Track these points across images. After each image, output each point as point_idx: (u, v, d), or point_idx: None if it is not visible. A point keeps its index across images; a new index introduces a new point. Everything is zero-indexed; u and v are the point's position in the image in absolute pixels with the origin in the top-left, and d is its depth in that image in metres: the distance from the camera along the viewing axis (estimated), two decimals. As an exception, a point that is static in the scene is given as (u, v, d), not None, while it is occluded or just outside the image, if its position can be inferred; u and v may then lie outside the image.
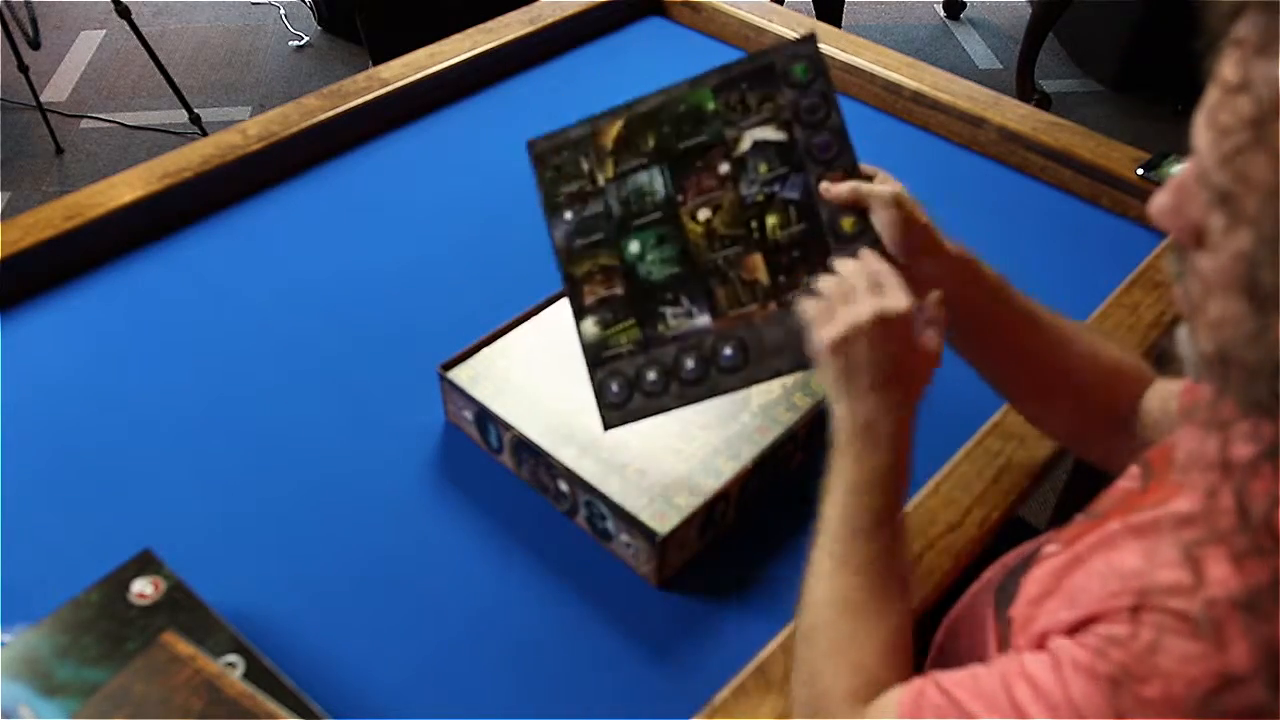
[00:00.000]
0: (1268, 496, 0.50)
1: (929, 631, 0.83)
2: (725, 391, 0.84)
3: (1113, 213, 1.30)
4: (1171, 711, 0.51)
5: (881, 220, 0.81)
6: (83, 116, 2.95)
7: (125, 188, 1.23)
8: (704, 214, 0.85)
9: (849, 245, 0.82)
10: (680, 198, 0.86)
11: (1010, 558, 0.76)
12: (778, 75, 0.86)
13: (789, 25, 1.56)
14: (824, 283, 0.77)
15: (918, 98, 1.43)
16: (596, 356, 0.85)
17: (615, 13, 1.64)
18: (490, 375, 0.99)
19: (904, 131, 1.44)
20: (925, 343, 0.74)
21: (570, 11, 1.59)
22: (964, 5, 3.48)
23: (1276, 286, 0.47)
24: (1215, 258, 0.52)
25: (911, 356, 0.73)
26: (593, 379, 0.86)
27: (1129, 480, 0.71)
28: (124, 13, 2.57)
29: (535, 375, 0.99)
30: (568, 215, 0.87)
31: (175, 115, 2.85)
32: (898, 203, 0.80)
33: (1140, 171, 1.27)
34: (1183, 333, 0.57)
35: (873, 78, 1.46)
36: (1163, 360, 0.99)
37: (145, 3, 3.45)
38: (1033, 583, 0.66)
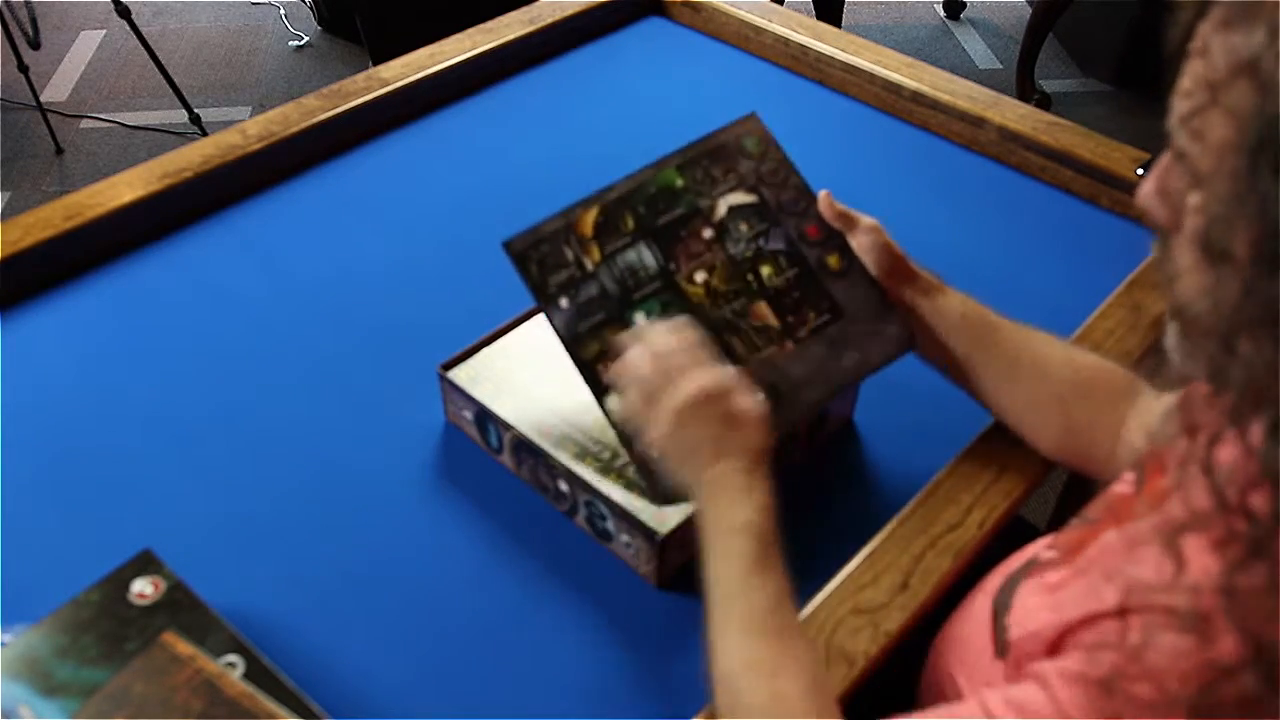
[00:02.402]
0: (1236, 470, 0.50)
1: (929, 633, 0.83)
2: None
3: (1113, 213, 1.30)
4: (1167, 710, 0.50)
5: (864, 246, 0.90)
6: (83, 116, 2.95)
7: (125, 188, 1.23)
8: (701, 276, 0.89)
9: (841, 279, 0.90)
10: (673, 266, 0.89)
11: (1012, 562, 0.76)
12: (732, 150, 0.93)
13: (789, 25, 1.56)
14: (627, 379, 0.78)
15: (918, 98, 1.43)
16: (629, 433, 0.82)
17: (615, 13, 1.64)
18: (490, 375, 0.99)
19: (904, 131, 1.44)
20: (744, 409, 0.75)
21: (570, 11, 1.59)
22: (964, 5, 3.48)
23: (1228, 241, 0.49)
24: (1180, 217, 0.54)
25: (735, 418, 0.75)
26: (632, 456, 0.82)
27: (1124, 485, 0.71)
28: (124, 13, 2.57)
29: (535, 375, 0.99)
30: (563, 303, 0.86)
31: (175, 115, 2.85)
32: (877, 230, 0.89)
33: (1140, 171, 1.27)
34: (1171, 328, 0.58)
35: (873, 78, 1.46)
36: (1157, 371, 0.99)
37: (145, 3, 3.45)
38: (1028, 594, 0.66)
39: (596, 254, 0.88)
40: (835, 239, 0.91)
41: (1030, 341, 0.89)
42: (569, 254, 0.87)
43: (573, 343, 0.85)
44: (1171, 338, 0.58)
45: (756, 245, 0.90)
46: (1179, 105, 0.52)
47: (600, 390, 0.84)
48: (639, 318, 0.86)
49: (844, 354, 0.88)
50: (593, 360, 0.85)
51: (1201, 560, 0.52)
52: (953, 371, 0.91)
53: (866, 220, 0.90)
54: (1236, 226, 0.48)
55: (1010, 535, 0.91)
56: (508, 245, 0.87)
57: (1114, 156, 1.30)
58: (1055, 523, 1.49)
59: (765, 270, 0.90)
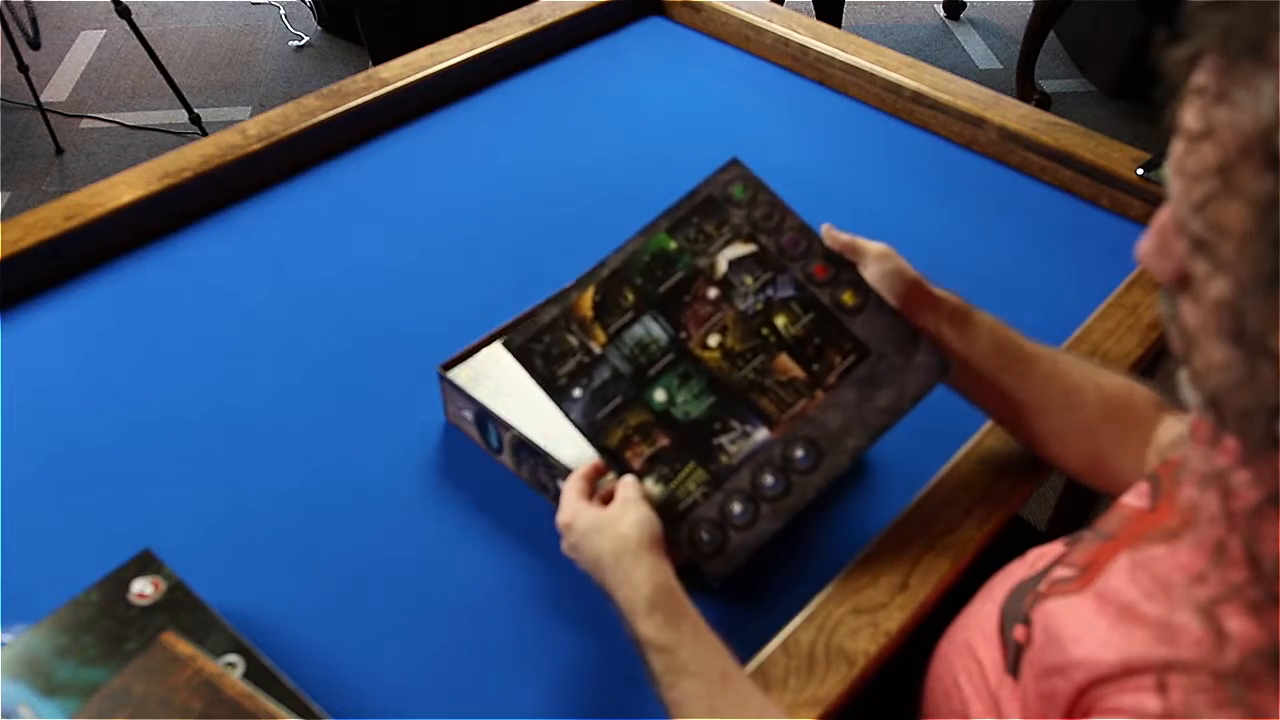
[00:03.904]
0: (1276, 542, 0.49)
1: (930, 633, 0.83)
2: (815, 492, 0.83)
3: (1113, 213, 1.30)
4: None
5: (876, 275, 0.86)
6: (83, 116, 2.95)
7: (125, 188, 1.23)
8: (714, 339, 0.86)
9: (858, 314, 0.86)
10: (683, 334, 0.86)
11: (1016, 569, 0.75)
12: (720, 201, 0.90)
13: (789, 25, 1.56)
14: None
15: (918, 98, 1.43)
16: (673, 514, 0.82)
17: (615, 13, 1.64)
18: (490, 375, 0.99)
19: (904, 131, 1.44)
20: (590, 520, 0.79)
21: (570, 11, 1.59)
22: (964, 5, 3.48)
23: (1262, 331, 0.48)
24: (1200, 304, 0.52)
25: (593, 529, 0.78)
26: (679, 540, 0.82)
27: (1138, 497, 0.70)
28: (124, 13, 2.57)
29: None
30: (576, 393, 0.84)
31: (175, 115, 2.85)
32: (888, 256, 0.85)
33: (1140, 171, 1.27)
34: (1183, 374, 0.56)
35: (873, 78, 1.46)
36: (1168, 391, 0.99)
37: (145, 3, 3.45)
38: (1047, 616, 0.64)
39: (601, 335, 0.86)
40: (845, 273, 0.88)
41: (1060, 369, 0.86)
42: (573, 340, 0.85)
43: (593, 433, 0.84)
44: (1190, 395, 0.56)
45: (765, 296, 0.87)
46: (1190, 189, 0.50)
47: (634, 475, 0.82)
48: (659, 394, 0.85)
49: (878, 394, 0.85)
50: (618, 447, 0.83)
51: (1237, 623, 0.51)
52: (980, 399, 0.89)
53: (876, 247, 0.86)
54: (1270, 314, 0.47)
55: (1010, 535, 0.91)
56: (507, 343, 0.86)
57: (1114, 156, 1.30)
58: (1055, 523, 1.50)
59: (780, 321, 0.87)
